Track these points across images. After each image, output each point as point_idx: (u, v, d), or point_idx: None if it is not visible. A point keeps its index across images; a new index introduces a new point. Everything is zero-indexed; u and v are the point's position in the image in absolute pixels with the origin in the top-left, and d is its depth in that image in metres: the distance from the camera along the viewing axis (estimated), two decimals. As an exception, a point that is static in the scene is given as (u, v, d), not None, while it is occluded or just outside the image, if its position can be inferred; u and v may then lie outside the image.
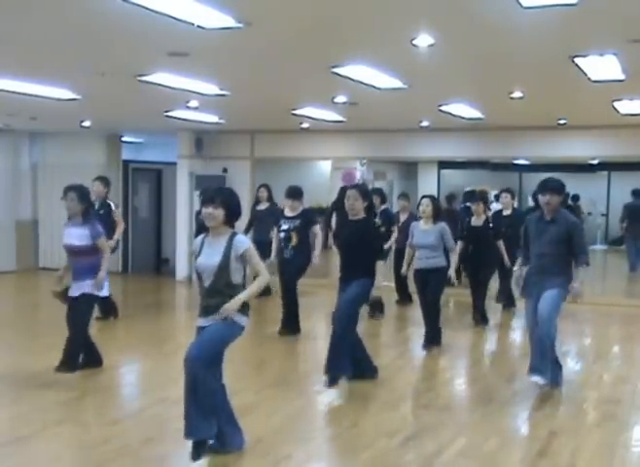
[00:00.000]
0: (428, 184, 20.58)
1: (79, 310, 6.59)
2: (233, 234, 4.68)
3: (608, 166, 18.61)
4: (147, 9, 4.82)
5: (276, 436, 5.22)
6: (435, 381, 7.08)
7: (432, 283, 7.97)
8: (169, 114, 10.65)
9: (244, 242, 4.69)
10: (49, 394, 6.15)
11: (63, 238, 6.64)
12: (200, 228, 10.14)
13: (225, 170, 13.58)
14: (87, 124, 12.02)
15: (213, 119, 11.43)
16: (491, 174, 18.90)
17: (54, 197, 14.98)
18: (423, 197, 8.29)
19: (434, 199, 8.20)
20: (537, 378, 6.27)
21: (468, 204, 11.18)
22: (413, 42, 5.77)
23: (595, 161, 16.84)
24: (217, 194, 4.64)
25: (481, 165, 18.48)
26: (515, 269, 6.85)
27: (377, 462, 4.80)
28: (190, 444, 4.65)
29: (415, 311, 10.02)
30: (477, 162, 17.69)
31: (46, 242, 14.47)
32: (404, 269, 8.61)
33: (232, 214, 4.69)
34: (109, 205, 9.20)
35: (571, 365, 7.72)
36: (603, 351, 8.54)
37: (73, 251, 6.57)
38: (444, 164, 20.34)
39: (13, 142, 14.30)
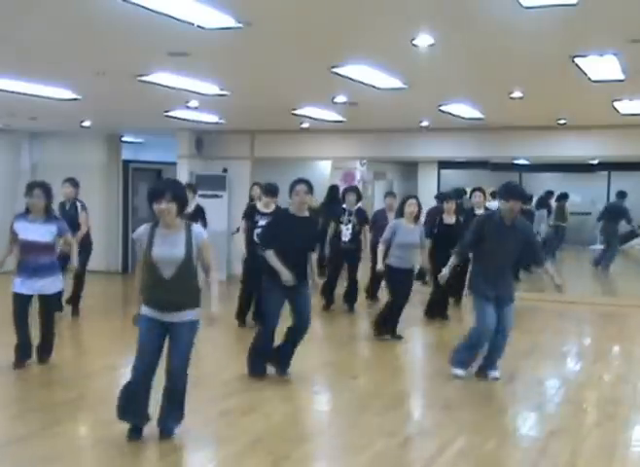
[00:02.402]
0: (428, 184, 20.59)
1: (53, 306, 6.96)
2: (189, 225, 4.77)
3: (608, 166, 18.60)
4: (147, 9, 4.82)
5: (276, 436, 5.21)
6: (435, 381, 7.08)
7: (408, 283, 8.26)
8: (169, 114, 10.64)
9: (202, 232, 4.81)
10: (48, 394, 6.15)
11: (20, 232, 6.60)
12: None
13: (225, 170, 13.58)
14: (87, 124, 12.02)
15: (213, 119, 11.43)
16: (491, 174, 18.89)
17: (54, 197, 15.08)
18: (408, 197, 8.41)
19: (418, 200, 8.34)
20: (496, 374, 6.68)
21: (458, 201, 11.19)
22: (413, 42, 5.77)
23: (595, 161, 16.83)
24: (167, 188, 4.67)
25: (481, 165, 18.47)
26: (445, 271, 6.81)
27: (377, 462, 4.80)
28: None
29: (415, 310, 10.03)
30: (477, 162, 17.69)
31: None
32: (380, 266, 8.40)
33: (184, 206, 4.78)
34: (76, 207, 9.40)
35: (571, 365, 7.73)
36: (603, 351, 8.54)
37: (36, 248, 6.56)
38: (443, 164, 20.34)
39: (13, 142, 14.29)
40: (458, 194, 12.29)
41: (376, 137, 12.93)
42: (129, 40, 6.04)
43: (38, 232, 6.60)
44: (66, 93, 8.77)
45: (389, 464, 4.80)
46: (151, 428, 5.00)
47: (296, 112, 10.42)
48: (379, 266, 8.34)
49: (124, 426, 5.38)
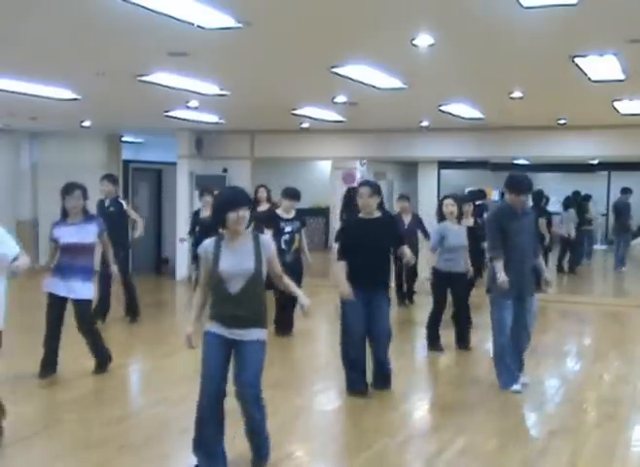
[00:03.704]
0: (428, 184, 20.60)
1: (88, 314, 6.65)
2: (256, 235, 4.46)
3: (608, 166, 18.61)
4: (147, 9, 4.82)
5: (276, 436, 5.20)
6: (435, 381, 7.08)
7: (463, 286, 7.92)
8: (169, 114, 10.65)
9: (271, 242, 4.55)
10: (49, 394, 6.15)
11: (62, 237, 6.44)
12: (198, 227, 10.18)
13: (225, 170, 13.58)
14: (87, 124, 12.02)
15: (213, 119, 11.43)
16: (491, 174, 18.90)
17: (55, 197, 15.03)
18: (444, 197, 8.06)
19: (456, 198, 7.99)
20: (525, 379, 6.36)
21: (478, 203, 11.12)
22: (413, 42, 5.77)
23: (595, 161, 16.84)
24: (244, 196, 4.39)
25: (481, 165, 18.47)
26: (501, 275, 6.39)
27: (377, 462, 4.80)
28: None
29: (416, 312, 10.04)
30: (477, 162, 17.70)
31: (46, 242, 14.37)
32: (426, 274, 8.12)
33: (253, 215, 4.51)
34: (120, 204, 9.14)
35: (571, 365, 7.73)
36: (603, 351, 8.54)
37: (75, 249, 6.41)
38: (443, 164, 20.33)
39: (13, 142, 14.29)
40: (477, 195, 12.30)
41: (376, 137, 12.93)
42: (129, 40, 6.04)
43: (79, 233, 6.41)
44: (66, 93, 8.77)
45: (389, 464, 4.80)
46: (157, 433, 4.99)
47: (296, 112, 10.42)
48: (426, 273, 8.07)
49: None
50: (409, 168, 20.94)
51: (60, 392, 6.20)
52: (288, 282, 4.61)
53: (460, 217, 7.93)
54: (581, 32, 5.59)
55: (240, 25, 5.29)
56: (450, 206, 7.81)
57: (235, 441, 4.64)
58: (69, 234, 6.44)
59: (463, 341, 7.94)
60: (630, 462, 5.00)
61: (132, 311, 9.35)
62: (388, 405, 6.04)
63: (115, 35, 5.82)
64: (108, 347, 6.83)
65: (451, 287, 7.89)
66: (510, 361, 6.32)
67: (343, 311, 6.20)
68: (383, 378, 6.36)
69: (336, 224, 17.72)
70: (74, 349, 6.93)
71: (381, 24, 5.38)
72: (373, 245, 6.08)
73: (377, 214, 6.20)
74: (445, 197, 8.08)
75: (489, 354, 8.40)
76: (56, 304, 6.44)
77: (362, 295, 6.03)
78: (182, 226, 13.67)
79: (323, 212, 17.79)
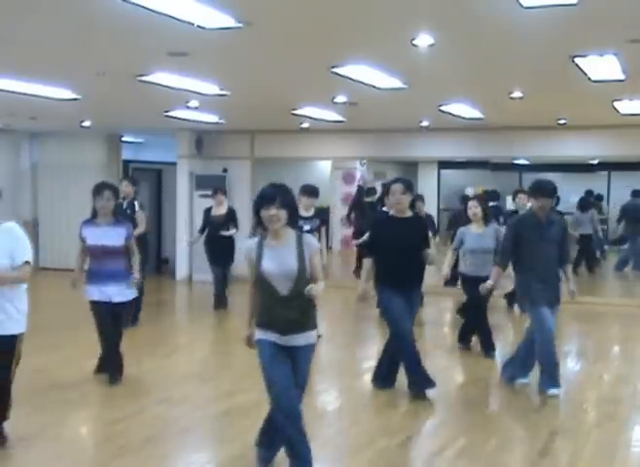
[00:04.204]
0: (428, 184, 20.61)
1: (122, 319, 6.55)
2: (300, 235, 4.30)
3: (608, 166, 18.61)
4: (147, 9, 4.82)
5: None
6: (435, 381, 7.07)
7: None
8: (169, 114, 10.65)
9: (314, 241, 4.36)
10: (49, 394, 6.15)
11: (88, 238, 6.35)
12: (207, 225, 10.18)
13: (225, 170, 13.58)
14: (87, 124, 12.02)
15: (213, 119, 11.43)
16: (491, 174, 18.91)
17: (55, 197, 15.11)
18: (468, 199, 7.93)
19: (480, 200, 7.88)
20: (556, 391, 6.23)
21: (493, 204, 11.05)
22: (413, 42, 5.77)
23: (595, 161, 16.84)
24: (277, 193, 4.18)
25: (481, 165, 18.48)
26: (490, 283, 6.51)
27: (377, 462, 4.81)
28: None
29: (423, 313, 10.02)
30: (477, 162, 17.70)
31: (46, 242, 14.45)
32: (445, 273, 7.96)
33: (295, 213, 4.34)
34: (134, 206, 9.06)
35: (571, 365, 7.73)
36: (603, 351, 8.54)
37: (106, 252, 6.29)
38: (443, 164, 20.36)
39: (13, 142, 14.30)
40: (491, 196, 12.25)
41: (376, 137, 12.93)
42: (129, 40, 6.03)
43: (108, 236, 6.30)
44: (66, 93, 8.77)
45: (389, 464, 4.80)
46: (157, 433, 4.99)
47: (296, 112, 10.42)
48: (444, 272, 7.90)
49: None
50: (409, 168, 20.95)
51: (60, 392, 6.20)
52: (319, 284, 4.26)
53: (486, 219, 7.72)
54: (581, 32, 5.59)
55: (240, 25, 5.29)
56: (474, 208, 7.71)
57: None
58: (96, 237, 6.34)
59: (487, 347, 7.73)
60: (630, 462, 5.00)
61: (134, 316, 9.35)
62: (388, 405, 6.04)
63: (115, 35, 5.82)
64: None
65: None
66: (553, 360, 6.23)
67: (388, 312, 6.16)
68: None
69: (336, 224, 17.79)
70: (74, 349, 6.97)
71: (381, 24, 5.38)
72: (406, 245, 5.98)
73: (409, 213, 6.11)
74: (469, 199, 7.92)
75: (489, 354, 8.43)
76: (98, 309, 6.38)
77: (400, 292, 6.00)
78: (182, 226, 13.69)
79: (322, 212, 17.76)
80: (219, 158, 13.66)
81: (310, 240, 4.31)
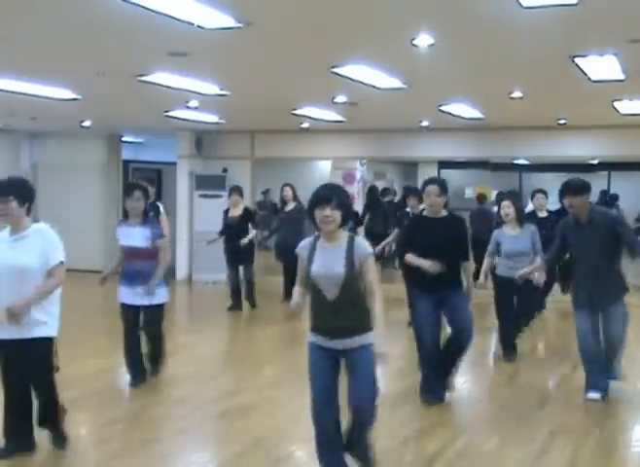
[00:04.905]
0: (428, 184, 20.56)
1: (157, 319, 6.58)
2: (352, 238, 4.10)
3: (608, 166, 18.57)
4: (147, 9, 4.82)
5: (276, 436, 5.21)
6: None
7: (529, 294, 7.37)
8: (169, 114, 10.65)
9: (367, 248, 4.10)
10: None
11: (121, 240, 6.33)
12: (226, 227, 10.11)
13: (225, 170, 13.58)
14: (87, 124, 12.02)
15: (213, 119, 11.44)
16: (491, 174, 18.89)
17: (55, 197, 15.08)
18: (501, 199, 7.54)
19: (514, 200, 7.41)
20: (596, 395, 6.08)
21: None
22: (413, 42, 5.77)
23: (595, 161, 16.82)
24: (334, 193, 4.07)
25: (481, 165, 18.45)
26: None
27: (377, 462, 4.79)
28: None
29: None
30: (477, 162, 17.67)
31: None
32: (481, 279, 7.40)
33: (349, 214, 4.20)
34: (158, 207, 8.99)
35: (571, 365, 7.71)
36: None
37: (136, 253, 6.25)
38: (444, 164, 20.30)
39: (13, 142, 14.30)
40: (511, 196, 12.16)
41: (376, 137, 12.93)
42: (129, 40, 6.04)
43: (136, 236, 6.25)
44: (66, 93, 8.77)
45: (389, 464, 4.79)
46: (157, 433, 4.98)
47: (296, 112, 10.42)
48: (481, 280, 7.35)
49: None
50: (409, 168, 20.92)
51: (60, 392, 6.19)
52: (376, 306, 4.03)
53: (521, 220, 7.32)
54: (581, 32, 5.59)
55: (240, 25, 5.29)
56: (506, 208, 7.27)
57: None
58: (125, 237, 6.33)
59: (506, 348, 7.44)
60: (630, 462, 4.99)
61: None
62: (388, 405, 6.03)
63: (115, 35, 5.82)
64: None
65: (516, 294, 7.33)
66: (590, 366, 6.12)
67: (414, 317, 6.07)
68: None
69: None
70: (74, 349, 6.93)
71: (381, 24, 5.38)
72: (440, 246, 5.66)
73: (444, 213, 5.85)
74: (502, 199, 7.54)
75: (490, 355, 8.43)
76: (123, 311, 6.36)
77: (432, 298, 5.75)
78: (182, 226, 13.69)
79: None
80: (219, 158, 13.66)
81: (362, 245, 4.08)
